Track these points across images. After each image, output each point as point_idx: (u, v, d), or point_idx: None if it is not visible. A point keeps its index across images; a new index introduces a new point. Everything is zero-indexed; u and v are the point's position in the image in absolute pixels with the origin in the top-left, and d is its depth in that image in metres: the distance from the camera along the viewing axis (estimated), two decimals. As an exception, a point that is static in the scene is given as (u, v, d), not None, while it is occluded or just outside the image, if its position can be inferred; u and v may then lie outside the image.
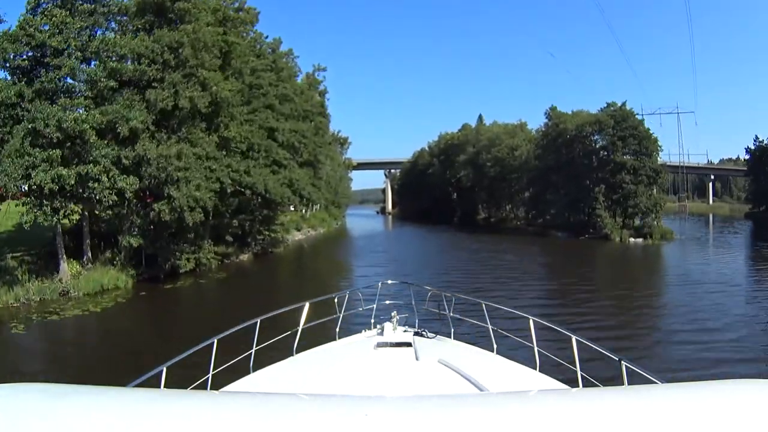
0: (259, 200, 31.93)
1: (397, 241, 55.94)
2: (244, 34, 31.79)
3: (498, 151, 71.60)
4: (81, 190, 22.03)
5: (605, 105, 54.21)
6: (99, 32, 24.59)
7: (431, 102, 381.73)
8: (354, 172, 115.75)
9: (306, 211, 62.82)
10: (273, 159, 31.37)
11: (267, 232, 34.75)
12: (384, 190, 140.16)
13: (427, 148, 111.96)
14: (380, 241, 56.71)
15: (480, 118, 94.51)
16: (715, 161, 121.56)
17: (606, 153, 51.25)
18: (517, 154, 68.76)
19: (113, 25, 25.76)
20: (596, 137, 52.51)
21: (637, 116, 52.16)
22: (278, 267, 32.60)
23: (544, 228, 62.53)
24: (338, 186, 78.51)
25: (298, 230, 54.49)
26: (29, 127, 20.85)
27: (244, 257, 33.36)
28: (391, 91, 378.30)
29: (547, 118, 59.55)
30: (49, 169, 20.85)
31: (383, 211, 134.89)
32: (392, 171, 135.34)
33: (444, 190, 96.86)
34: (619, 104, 53.39)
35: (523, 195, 71.45)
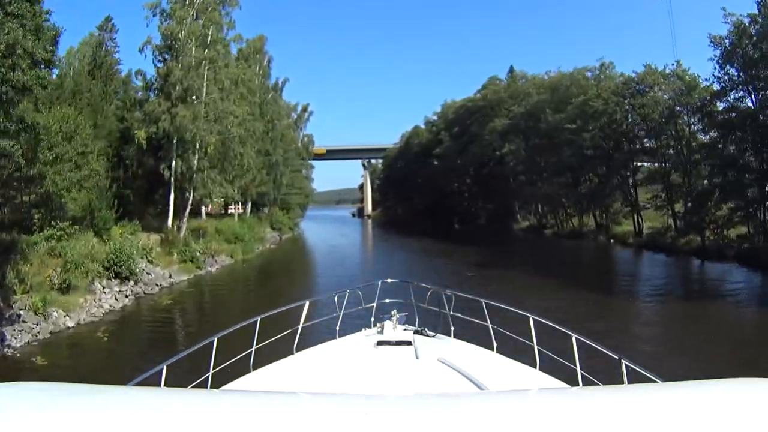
0: None
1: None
2: None
3: (594, 101, 37.46)
4: None
5: None
6: None
7: (421, 76, 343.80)
8: (326, 162, 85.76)
9: (179, 222, 27.97)
10: None
11: None
12: (362, 186, 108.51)
13: (423, 126, 77.98)
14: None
15: (511, 70, 61.09)
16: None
17: None
18: (649, 99, 33.77)
19: None
20: None
21: None
22: None
23: (718, 257, 28.26)
24: (282, 174, 46.00)
25: (125, 278, 19.73)
26: None
27: None
28: (370, 62, 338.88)
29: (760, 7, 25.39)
30: None
31: (361, 213, 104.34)
32: (372, 161, 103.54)
33: (450, 183, 63.30)
34: None
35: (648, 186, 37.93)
